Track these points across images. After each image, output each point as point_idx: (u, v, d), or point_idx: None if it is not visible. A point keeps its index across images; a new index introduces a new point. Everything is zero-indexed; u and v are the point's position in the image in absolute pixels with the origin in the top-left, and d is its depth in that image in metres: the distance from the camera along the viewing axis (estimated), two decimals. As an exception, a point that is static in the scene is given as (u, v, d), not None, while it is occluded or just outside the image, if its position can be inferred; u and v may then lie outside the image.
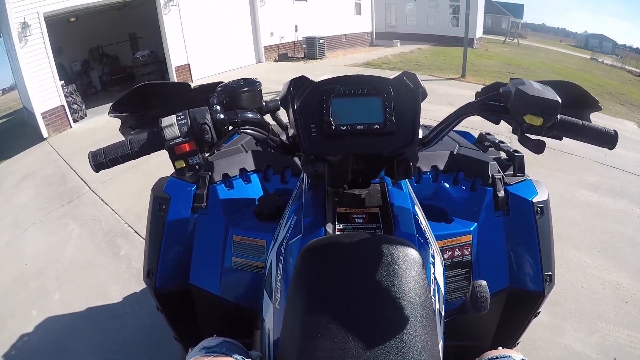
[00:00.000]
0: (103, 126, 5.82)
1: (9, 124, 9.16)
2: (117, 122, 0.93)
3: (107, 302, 2.13)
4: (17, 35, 5.44)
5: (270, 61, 11.07)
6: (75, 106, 6.46)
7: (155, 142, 0.69)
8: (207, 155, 0.71)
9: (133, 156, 0.69)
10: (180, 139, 0.67)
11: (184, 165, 0.68)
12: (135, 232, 2.84)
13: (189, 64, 8.55)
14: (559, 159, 4.08)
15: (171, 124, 0.67)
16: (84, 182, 3.84)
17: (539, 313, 1.04)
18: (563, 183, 3.58)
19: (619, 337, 1.90)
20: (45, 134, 5.74)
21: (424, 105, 0.74)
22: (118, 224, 2.98)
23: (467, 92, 7.19)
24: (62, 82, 6.27)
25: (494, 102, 0.74)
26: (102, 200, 3.40)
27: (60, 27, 7.88)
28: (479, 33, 19.76)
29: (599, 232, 2.86)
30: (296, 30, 11.86)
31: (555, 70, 14.60)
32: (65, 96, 6.18)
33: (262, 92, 0.82)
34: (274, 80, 8.20)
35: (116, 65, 10.43)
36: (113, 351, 1.82)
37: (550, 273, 0.98)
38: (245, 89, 0.77)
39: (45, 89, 5.87)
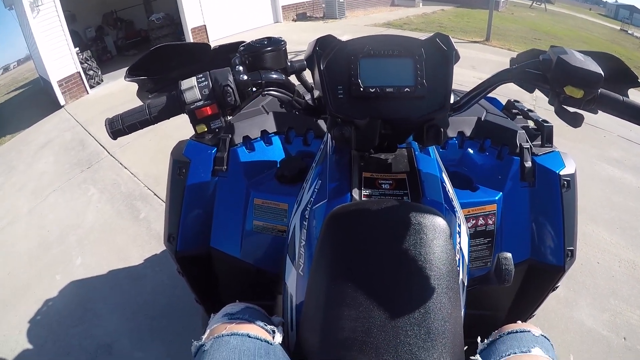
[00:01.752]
0: (120, 91, 5.82)
1: (25, 93, 9.23)
2: (134, 87, 0.90)
3: (127, 265, 2.20)
4: (29, 5, 5.36)
5: (289, 21, 10.75)
6: (91, 72, 6.45)
7: (175, 106, 0.66)
8: (229, 118, 0.68)
9: (152, 121, 0.67)
10: (201, 102, 0.64)
11: (206, 129, 0.66)
12: (155, 194, 2.89)
13: (205, 25, 8.33)
14: (583, 130, 3.93)
15: (191, 87, 0.64)
16: (103, 147, 3.89)
17: (557, 287, 1.03)
18: (586, 156, 3.49)
19: (630, 317, 1.89)
20: (62, 101, 5.77)
21: None
22: (137, 187, 3.03)
23: (490, 57, 6.95)
24: (77, 49, 6.22)
25: (533, 70, 0.70)
26: (121, 164, 3.45)
27: (72, -7, 7.77)
28: (505, -5, 18.77)
29: (619, 209, 2.80)
30: (315, -13, 11.46)
31: (583, 39, 13.94)
32: (81, 63, 6.17)
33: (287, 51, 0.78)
34: (294, 40, 7.99)
35: (131, 29, 10.30)
36: (135, 311, 1.90)
37: (572, 248, 0.97)
38: (269, 48, 0.74)
39: (60, 57, 5.84)
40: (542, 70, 0.68)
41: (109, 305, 1.96)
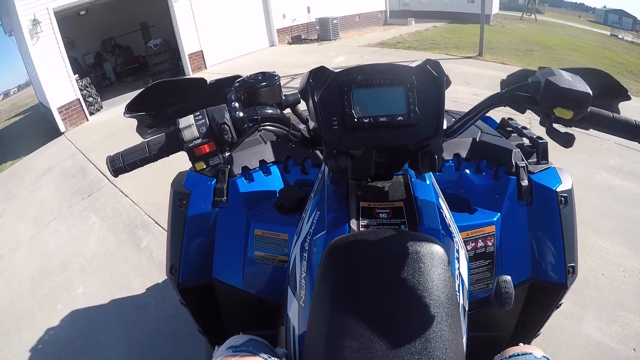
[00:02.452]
0: (119, 117, 5.84)
1: (26, 120, 9.34)
2: None
3: (130, 294, 2.19)
4: (28, 32, 5.50)
5: (284, 44, 10.94)
6: (90, 99, 6.54)
7: (174, 144, 0.67)
8: (227, 154, 0.69)
9: (152, 159, 0.68)
10: (199, 141, 0.64)
11: (205, 166, 0.66)
12: (156, 222, 2.89)
13: (202, 51, 8.53)
14: (579, 140, 3.90)
15: (189, 125, 0.65)
16: (103, 174, 3.91)
17: (560, 304, 1.03)
18: (583, 166, 3.49)
19: (639, 327, 1.87)
20: (62, 128, 5.85)
21: None
22: (139, 216, 3.04)
23: (484, 71, 7.03)
24: (76, 75, 6.33)
25: (522, 92, 0.71)
26: (121, 192, 3.46)
27: (71, 21, 7.94)
28: (495, 9, 19.07)
29: (620, 217, 2.79)
30: (308, 11, 11.64)
31: (574, 47, 14.11)
32: (80, 89, 6.26)
33: (281, 84, 0.79)
34: (290, 63, 8.22)
35: (129, 55, 10.48)
36: (138, 341, 1.88)
37: (573, 264, 0.97)
38: (264, 83, 0.74)
39: (59, 84, 5.95)
40: (531, 92, 0.69)
41: (111, 334, 1.95)
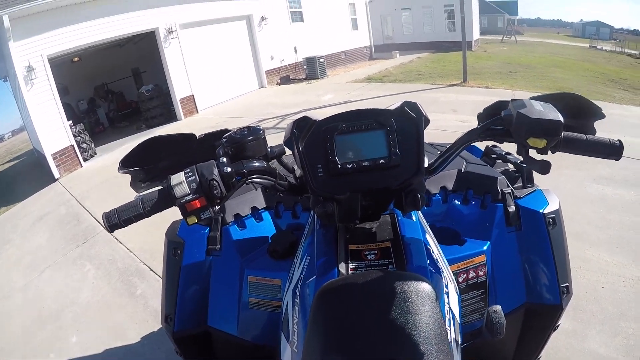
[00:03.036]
0: (113, 163, 5.91)
1: (20, 165, 9.39)
2: None
3: (125, 343, 2.14)
4: (22, 78, 5.63)
5: (273, 85, 11.19)
6: (84, 145, 6.61)
7: (167, 200, 0.70)
8: (217, 208, 0.71)
9: (146, 215, 0.71)
10: (190, 197, 0.68)
11: (196, 220, 0.69)
12: (151, 269, 2.86)
13: (193, 95, 8.72)
14: (567, 155, 3.99)
15: (180, 182, 0.68)
16: (98, 221, 3.90)
17: (558, 326, 1.03)
18: (575, 180, 3.52)
19: (643, 335, 1.85)
20: (56, 174, 5.87)
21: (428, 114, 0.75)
22: (133, 263, 3.01)
23: (470, 97, 7.20)
24: (70, 121, 6.43)
25: (496, 126, 0.74)
26: (116, 239, 3.44)
27: (64, 67, 8.16)
28: (476, 35, 19.80)
29: (615, 226, 2.80)
30: (295, 51, 12.00)
31: (556, 64, 14.52)
32: (74, 135, 6.34)
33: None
34: (279, 104, 8.38)
35: (122, 101, 10.70)
36: (134, 393, 1.83)
37: (567, 284, 0.97)
38: (250, 137, 0.78)
39: (53, 130, 6.03)
40: (505, 125, 0.72)
41: (106, 387, 1.89)
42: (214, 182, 0.68)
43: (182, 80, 8.43)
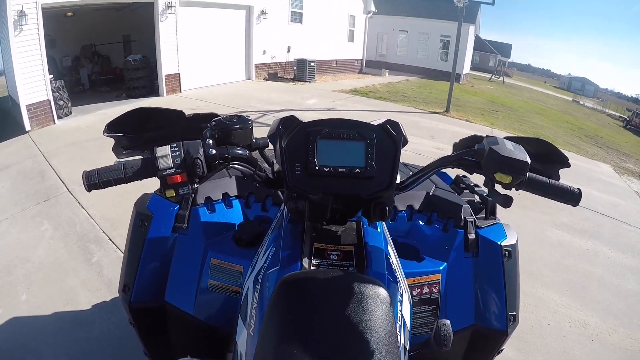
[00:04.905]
0: (87, 126, 5.75)
1: (-9, 110, 8.90)
2: (101, 124, 0.96)
3: (75, 309, 2.08)
4: (12, 23, 5.34)
5: (260, 79, 11.15)
6: (61, 102, 6.35)
7: (149, 170, 0.72)
8: (195, 186, 0.74)
9: (126, 180, 0.73)
10: (173, 170, 0.70)
11: (174, 194, 0.72)
12: (110, 239, 2.79)
13: (179, 74, 8.55)
14: (534, 198, 4.17)
15: (165, 155, 0.70)
16: (62, 182, 3.76)
17: (501, 350, 1.09)
18: (537, 223, 3.69)
19: (583, 376, 1.95)
20: (27, 127, 5.61)
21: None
22: (93, 230, 2.92)
23: (449, 127, 7.40)
24: (51, 76, 6.17)
25: (469, 157, 0.80)
26: (79, 202, 3.33)
27: (56, 19, 7.79)
28: (466, 69, 20.46)
29: (569, 271, 2.95)
30: (288, 51, 12.05)
31: (537, 111, 15.15)
32: (53, 91, 6.08)
33: (253, 121, 0.87)
34: (263, 99, 8.36)
35: (107, 65, 10.35)
36: (79, 359, 1.78)
37: (514, 313, 1.04)
38: (238, 126, 0.82)
39: (33, 81, 5.75)
40: (476, 157, 0.79)
41: (51, 348, 1.83)
42: (198, 160, 0.70)
43: (171, 56, 8.26)
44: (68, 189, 3.59)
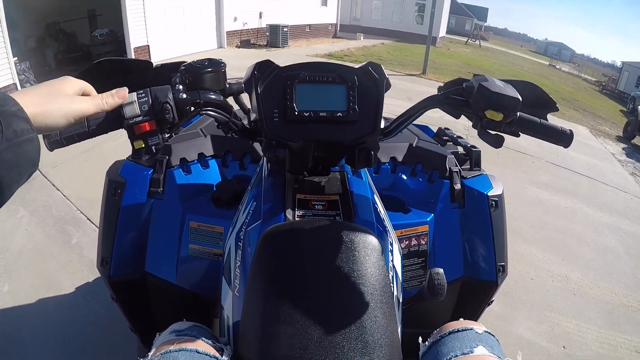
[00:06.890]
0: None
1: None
2: None
3: (58, 293, 2.04)
4: None
5: (232, 47, 10.86)
6: (28, 85, 6.06)
7: (114, 121, 0.65)
8: (167, 136, 0.68)
9: (90, 134, 0.65)
10: (140, 118, 0.63)
11: (143, 145, 0.65)
12: (88, 219, 2.72)
13: (148, 45, 8.25)
14: (513, 157, 4.26)
15: (131, 102, 0.64)
16: (34, 166, 3.62)
17: (492, 302, 1.09)
18: (516, 181, 3.76)
19: (567, 327, 2.03)
20: (-7, 112, 5.34)
21: None
22: (70, 211, 2.84)
23: (426, 89, 7.39)
24: (16, 58, 5.87)
25: (457, 96, 0.76)
26: (53, 185, 3.21)
27: (17, -1, 7.31)
28: (442, 32, 20.28)
29: (549, 228, 3.03)
30: (260, 17, 11.71)
31: (513, 74, 15.26)
32: (18, 73, 5.80)
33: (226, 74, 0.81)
34: (236, 66, 8.02)
35: (73, 43, 9.80)
36: (66, 344, 1.75)
37: (503, 264, 1.03)
38: (209, 69, 0.76)
39: (-3, 64, 5.45)
40: (465, 96, 0.74)
41: (38, 337, 1.79)
42: (168, 105, 0.64)
43: (139, 28, 7.94)
44: (41, 172, 3.45)
